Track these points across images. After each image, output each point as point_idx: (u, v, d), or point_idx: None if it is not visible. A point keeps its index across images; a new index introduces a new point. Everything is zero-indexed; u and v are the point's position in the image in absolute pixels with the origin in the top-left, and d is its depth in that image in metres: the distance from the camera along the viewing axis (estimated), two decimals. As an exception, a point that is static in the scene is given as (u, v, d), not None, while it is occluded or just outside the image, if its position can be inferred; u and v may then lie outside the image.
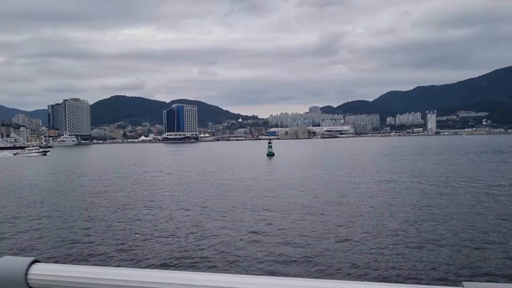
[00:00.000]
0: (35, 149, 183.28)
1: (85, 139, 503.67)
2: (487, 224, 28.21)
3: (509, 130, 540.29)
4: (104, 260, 22.22)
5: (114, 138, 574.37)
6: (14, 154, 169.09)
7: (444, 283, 17.92)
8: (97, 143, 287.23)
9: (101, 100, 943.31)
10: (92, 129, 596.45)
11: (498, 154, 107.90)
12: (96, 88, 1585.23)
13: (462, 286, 1.68)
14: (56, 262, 20.43)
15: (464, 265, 20.05)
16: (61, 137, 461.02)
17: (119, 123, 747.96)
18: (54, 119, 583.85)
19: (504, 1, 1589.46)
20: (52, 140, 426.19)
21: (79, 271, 2.10)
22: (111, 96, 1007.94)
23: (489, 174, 58.63)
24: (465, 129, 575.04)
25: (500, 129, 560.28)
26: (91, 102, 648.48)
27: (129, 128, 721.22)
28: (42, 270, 2.11)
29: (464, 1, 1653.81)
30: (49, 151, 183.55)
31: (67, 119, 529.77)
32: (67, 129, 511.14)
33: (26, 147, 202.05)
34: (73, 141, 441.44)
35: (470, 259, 20.93)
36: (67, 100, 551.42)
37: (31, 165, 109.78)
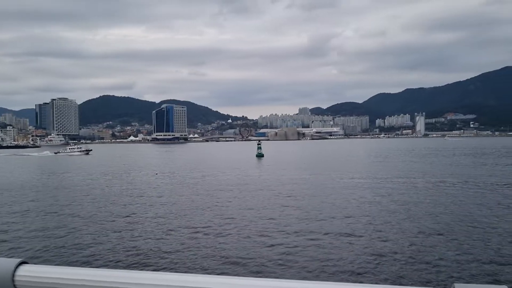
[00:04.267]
0: (77, 148, 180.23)
1: (73, 139, 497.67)
2: (474, 223, 28.08)
3: (496, 133, 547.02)
4: (92, 262, 21.60)
5: (102, 138, 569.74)
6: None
7: (435, 284, 17.65)
8: (85, 143, 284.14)
9: (90, 100, 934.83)
10: (80, 129, 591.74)
11: (469, 156, 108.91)
12: (85, 87, 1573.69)
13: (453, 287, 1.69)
14: (45, 263, 19.73)
15: (455, 267, 19.78)
16: (49, 136, 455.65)
17: (108, 123, 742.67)
18: (41, 119, 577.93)
19: (492, 6, 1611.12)
20: (40, 139, 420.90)
21: (67, 273, 2.06)
22: (100, 96, 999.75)
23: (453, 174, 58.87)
24: (453, 132, 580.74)
25: (487, 132, 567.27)
26: (79, 102, 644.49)
27: (118, 128, 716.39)
28: (29, 272, 2.08)
29: (452, 5, 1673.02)
30: (91, 150, 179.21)
31: (54, 119, 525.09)
32: (55, 128, 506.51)
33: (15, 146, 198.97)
34: (60, 140, 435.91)
35: (461, 260, 20.68)
36: (55, 99, 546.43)
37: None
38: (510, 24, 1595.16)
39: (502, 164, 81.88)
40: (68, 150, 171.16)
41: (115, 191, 49.56)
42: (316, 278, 18.62)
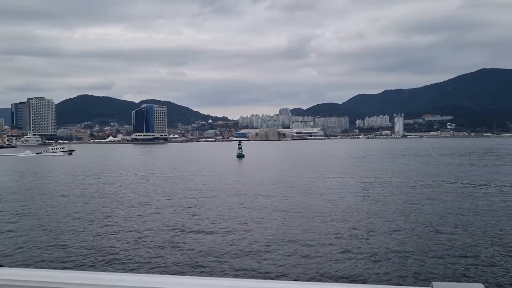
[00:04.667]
0: (60, 148, 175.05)
1: (50, 139, 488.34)
2: (454, 222, 28.46)
3: (472, 134, 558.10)
4: (70, 264, 21.14)
5: (80, 138, 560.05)
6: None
7: (414, 283, 17.75)
8: (63, 143, 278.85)
9: (67, 99, 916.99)
10: (57, 129, 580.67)
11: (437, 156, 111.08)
12: (62, 87, 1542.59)
13: (432, 286, 1.70)
14: (21, 266, 19.29)
15: (433, 266, 19.96)
16: (25, 136, 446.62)
17: (86, 123, 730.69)
18: (17, 119, 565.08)
19: (467, 9, 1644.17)
20: (16, 140, 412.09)
21: (45, 275, 2.01)
22: (78, 96, 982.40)
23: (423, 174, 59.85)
24: (431, 132, 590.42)
25: (463, 133, 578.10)
26: (57, 101, 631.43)
27: (97, 128, 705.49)
28: (6, 275, 2.01)
29: (430, 9, 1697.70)
30: (74, 150, 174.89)
31: (31, 119, 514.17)
32: (31, 128, 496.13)
33: None
34: (37, 141, 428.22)
35: (439, 259, 20.88)
36: (31, 98, 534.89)
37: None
38: (485, 28, 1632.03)
39: (478, 164, 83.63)
40: (51, 150, 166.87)
41: (93, 192, 48.83)
42: (296, 278, 18.56)
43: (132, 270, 19.87)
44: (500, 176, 58.50)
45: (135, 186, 55.45)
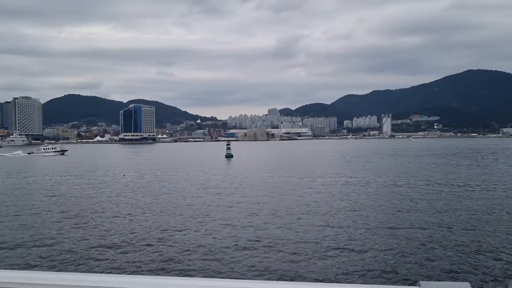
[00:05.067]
0: (52, 148, 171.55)
1: (36, 139, 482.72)
2: (439, 222, 28.61)
3: (458, 134, 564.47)
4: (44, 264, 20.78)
5: (67, 138, 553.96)
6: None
7: (402, 282, 17.75)
8: (49, 143, 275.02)
9: (54, 99, 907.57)
10: (44, 129, 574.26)
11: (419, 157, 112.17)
12: (49, 86, 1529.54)
13: (419, 285, 1.74)
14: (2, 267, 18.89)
15: (421, 265, 20.01)
16: (11, 136, 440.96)
17: (73, 122, 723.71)
18: (3, 118, 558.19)
19: (454, 11, 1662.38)
20: (1, 140, 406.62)
21: (26, 277, 1.98)
22: (65, 95, 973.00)
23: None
24: (418, 133, 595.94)
25: (450, 133, 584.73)
26: (43, 101, 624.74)
27: (84, 128, 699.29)
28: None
29: (417, 10, 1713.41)
30: (67, 150, 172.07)
31: (17, 118, 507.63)
32: (17, 128, 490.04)
33: None
34: (23, 141, 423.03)
35: (425, 258, 20.94)
36: (17, 98, 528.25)
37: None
38: (471, 30, 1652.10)
39: (463, 164, 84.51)
40: (43, 150, 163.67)
41: (79, 193, 48.33)
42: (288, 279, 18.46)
43: (119, 271, 19.60)
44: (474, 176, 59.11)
45: (123, 186, 54.95)
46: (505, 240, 24.17)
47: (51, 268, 20.37)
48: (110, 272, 19.12)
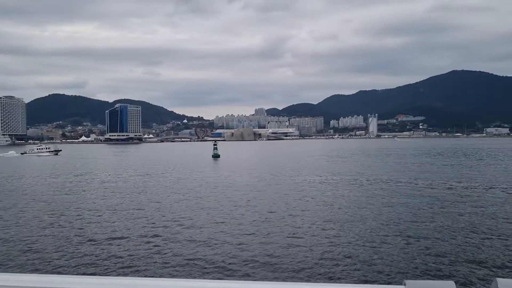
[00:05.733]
0: (46, 148, 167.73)
1: (20, 139, 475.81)
2: (425, 221, 28.81)
3: (443, 134, 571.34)
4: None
5: (52, 138, 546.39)
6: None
7: (387, 281, 17.78)
8: (34, 143, 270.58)
9: (38, 98, 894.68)
10: (28, 129, 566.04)
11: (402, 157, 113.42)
12: (33, 86, 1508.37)
13: (405, 284, 1.73)
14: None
15: (406, 264, 20.09)
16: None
17: (57, 122, 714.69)
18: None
19: (436, 13, 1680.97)
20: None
21: (12, 280, 1.95)
22: (49, 95, 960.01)
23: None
24: (404, 133, 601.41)
25: (435, 133, 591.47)
26: (27, 101, 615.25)
27: (69, 128, 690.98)
28: None
29: (402, 11, 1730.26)
30: (61, 150, 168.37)
31: (0, 118, 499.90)
32: (0, 128, 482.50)
33: None
34: (6, 141, 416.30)
35: (412, 257, 21.04)
36: (0, 97, 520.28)
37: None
38: (455, 31, 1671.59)
39: (444, 164, 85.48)
40: (36, 150, 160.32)
41: (64, 195, 47.74)
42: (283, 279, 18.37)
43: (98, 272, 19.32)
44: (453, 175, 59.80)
45: (107, 186, 54.42)
46: (489, 238, 24.42)
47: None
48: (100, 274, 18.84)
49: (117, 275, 18.31)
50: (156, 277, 17.50)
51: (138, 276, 15.34)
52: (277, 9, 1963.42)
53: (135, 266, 20.37)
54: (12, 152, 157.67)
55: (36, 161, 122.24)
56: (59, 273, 19.37)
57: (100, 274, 18.90)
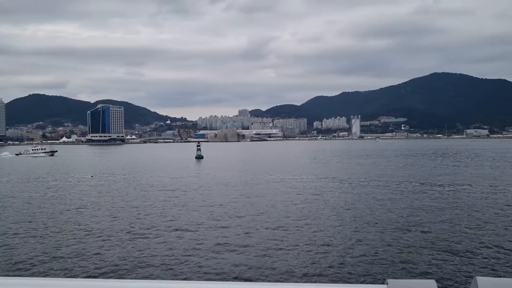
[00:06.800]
0: (42, 149, 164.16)
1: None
2: (402, 220, 29.10)
3: (425, 135, 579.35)
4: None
5: (32, 139, 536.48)
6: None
7: (369, 281, 17.88)
8: (13, 144, 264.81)
9: (18, 99, 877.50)
10: (7, 129, 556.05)
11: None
12: (12, 86, 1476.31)
13: (387, 283, 1.72)
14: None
15: (387, 263, 20.23)
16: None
17: (38, 123, 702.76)
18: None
19: (418, 16, 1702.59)
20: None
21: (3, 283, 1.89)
22: (30, 95, 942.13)
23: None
24: (386, 134, 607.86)
25: (417, 134, 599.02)
26: (6, 101, 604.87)
27: (50, 128, 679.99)
28: None
29: (384, 13, 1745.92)
30: (57, 151, 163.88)
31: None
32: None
33: None
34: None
35: (392, 256, 21.20)
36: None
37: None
38: (435, 34, 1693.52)
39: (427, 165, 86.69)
40: (31, 151, 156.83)
41: (46, 196, 47.04)
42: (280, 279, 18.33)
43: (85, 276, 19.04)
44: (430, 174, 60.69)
45: (90, 187, 53.80)
46: (469, 237, 24.77)
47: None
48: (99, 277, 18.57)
49: (106, 278, 18.15)
50: (138, 278, 17.33)
51: (126, 279, 15.22)
52: (260, 10, 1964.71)
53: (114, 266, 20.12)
54: (6, 153, 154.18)
55: (34, 162, 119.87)
56: (46, 276, 19.02)
57: (92, 277, 18.69)
